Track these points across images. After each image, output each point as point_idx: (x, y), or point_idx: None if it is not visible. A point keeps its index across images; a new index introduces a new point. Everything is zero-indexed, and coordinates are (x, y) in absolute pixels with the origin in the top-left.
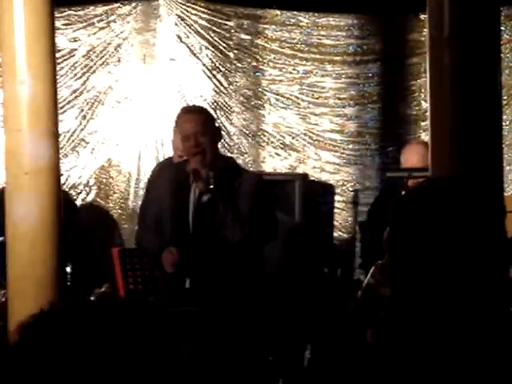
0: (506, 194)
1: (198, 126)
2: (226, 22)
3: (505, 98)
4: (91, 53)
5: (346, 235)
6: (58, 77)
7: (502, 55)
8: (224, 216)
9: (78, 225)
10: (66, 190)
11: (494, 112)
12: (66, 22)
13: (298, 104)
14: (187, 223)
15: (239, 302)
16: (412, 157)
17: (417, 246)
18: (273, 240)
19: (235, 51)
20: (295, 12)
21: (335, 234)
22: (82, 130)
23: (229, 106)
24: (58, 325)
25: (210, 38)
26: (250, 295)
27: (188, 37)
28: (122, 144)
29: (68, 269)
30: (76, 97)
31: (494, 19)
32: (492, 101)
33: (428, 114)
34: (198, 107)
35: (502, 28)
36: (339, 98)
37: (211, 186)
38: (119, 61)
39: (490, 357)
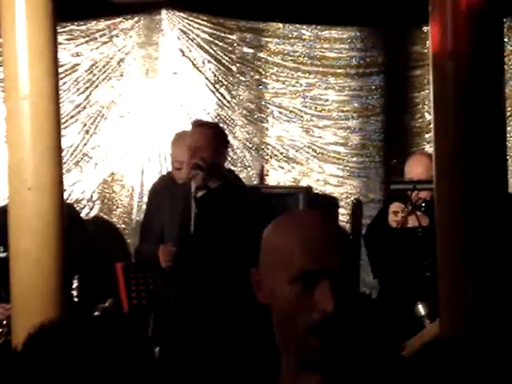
0: None
1: (207, 140)
2: (229, 36)
3: (509, 109)
4: (94, 67)
5: None
6: (60, 92)
7: (505, 67)
8: (223, 229)
9: (84, 239)
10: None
11: (498, 124)
12: (69, 36)
13: (301, 117)
14: (188, 236)
15: (236, 316)
16: (415, 168)
17: None
18: None
19: (238, 65)
20: (297, 25)
21: None
22: (85, 144)
23: (232, 119)
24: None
25: (213, 52)
26: (247, 310)
27: (190, 51)
28: (125, 158)
29: (74, 283)
30: (79, 111)
31: (497, 31)
32: (496, 112)
33: (432, 126)
34: (212, 122)
35: (506, 40)
36: (342, 111)
37: (209, 184)
38: (122, 75)
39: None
